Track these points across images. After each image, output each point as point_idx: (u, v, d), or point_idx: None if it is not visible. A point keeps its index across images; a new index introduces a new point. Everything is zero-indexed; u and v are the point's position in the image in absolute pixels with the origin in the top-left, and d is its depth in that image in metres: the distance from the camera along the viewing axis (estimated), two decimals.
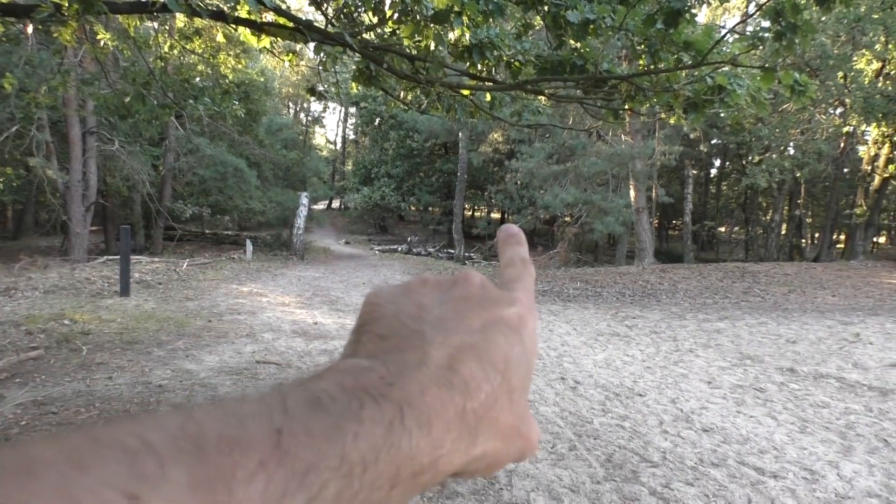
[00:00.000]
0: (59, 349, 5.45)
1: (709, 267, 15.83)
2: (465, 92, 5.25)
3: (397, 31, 4.91)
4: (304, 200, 18.25)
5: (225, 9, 4.32)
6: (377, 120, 29.13)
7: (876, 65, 16.94)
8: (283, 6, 4.80)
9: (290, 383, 0.24)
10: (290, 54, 5.79)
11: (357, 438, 0.22)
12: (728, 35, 5.15)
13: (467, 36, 4.36)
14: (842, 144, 19.56)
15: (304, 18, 4.48)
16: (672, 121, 4.79)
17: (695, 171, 26.56)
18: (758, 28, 4.86)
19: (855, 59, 16.60)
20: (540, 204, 19.48)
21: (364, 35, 4.85)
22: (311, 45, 4.50)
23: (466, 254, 22.86)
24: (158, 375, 4.82)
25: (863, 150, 19.91)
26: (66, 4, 3.79)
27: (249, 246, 16.48)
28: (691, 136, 20.76)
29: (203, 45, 8.07)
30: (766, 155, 18.61)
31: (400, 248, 24.64)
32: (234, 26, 4.92)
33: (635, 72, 4.59)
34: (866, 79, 16.51)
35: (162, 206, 16.61)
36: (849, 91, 16.36)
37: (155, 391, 4.44)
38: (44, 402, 4.10)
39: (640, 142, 17.63)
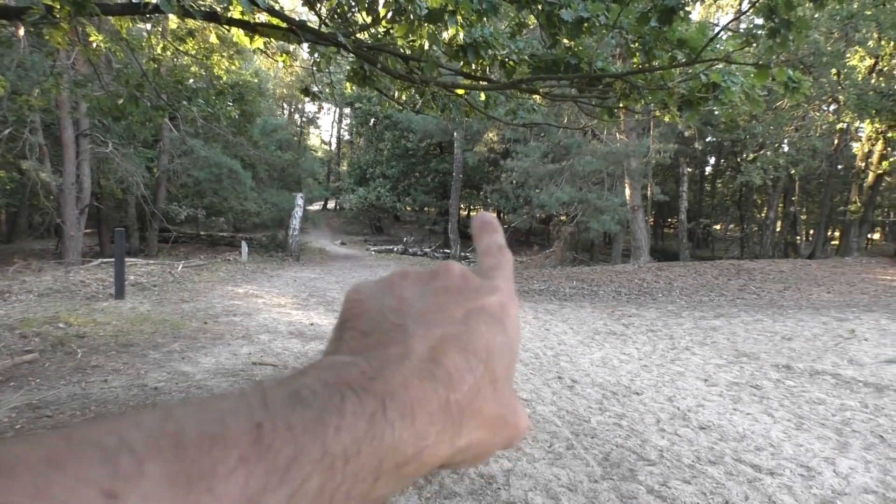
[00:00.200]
0: (53, 352, 5.42)
1: (704, 265, 15.87)
2: (460, 91, 5.25)
3: (391, 31, 4.90)
4: (300, 201, 18.21)
5: (218, 10, 4.30)
6: (372, 120, 29.05)
7: (869, 61, 17.01)
8: (277, 7, 4.78)
9: (271, 381, 0.24)
10: (284, 55, 5.77)
11: (339, 431, 0.22)
12: (722, 32, 5.16)
13: (461, 35, 4.36)
14: (836, 141, 19.64)
15: (297, 19, 4.47)
16: (667, 119, 4.80)
17: (690, 169, 26.66)
18: (751, 25, 4.87)
19: (848, 55, 16.67)
20: (536, 203, 19.49)
21: (358, 35, 4.83)
22: (305, 45, 4.49)
23: (462, 253, 22.86)
24: (154, 378, 4.80)
25: (857, 147, 19.98)
26: (58, 6, 3.77)
27: (245, 247, 16.43)
28: (686, 133, 20.79)
29: (196, 47, 8.03)
30: (761, 152, 18.65)
31: (396, 249, 24.61)
32: (227, 27, 4.90)
33: (630, 70, 4.59)
34: (859, 75, 16.59)
35: (156, 208, 16.56)
36: (842, 88, 16.43)
37: (150, 394, 4.41)
38: (39, 405, 4.07)
39: (635, 140, 17.65)
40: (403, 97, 5.91)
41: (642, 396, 4.67)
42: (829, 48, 16.17)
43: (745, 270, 14.19)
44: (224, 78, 9.75)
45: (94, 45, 6.27)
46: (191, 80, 10.91)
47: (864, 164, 18.58)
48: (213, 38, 8.33)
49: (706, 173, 32.20)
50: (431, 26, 4.38)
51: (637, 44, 4.20)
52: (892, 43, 16.09)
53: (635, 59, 4.38)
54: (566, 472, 3.22)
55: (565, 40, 4.40)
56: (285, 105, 41.90)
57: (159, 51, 7.04)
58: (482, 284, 0.30)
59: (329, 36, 4.25)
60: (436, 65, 4.53)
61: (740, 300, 10.54)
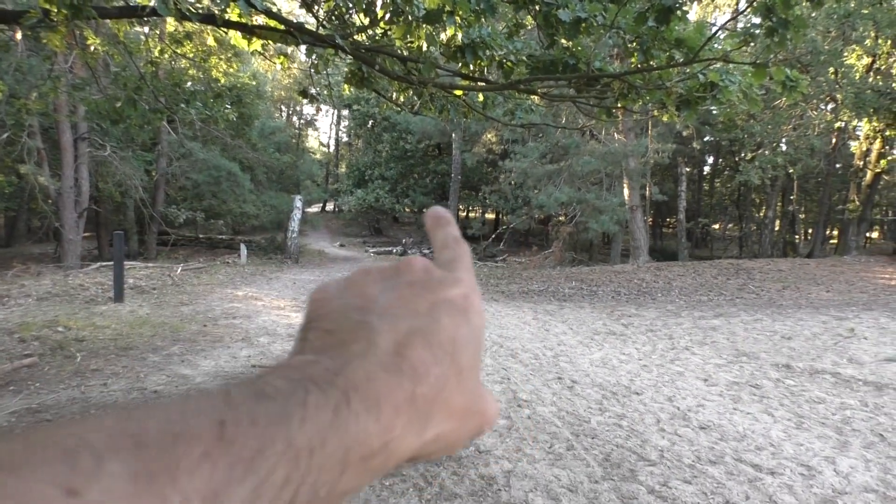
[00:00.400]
0: (53, 356, 5.41)
1: (703, 264, 15.87)
2: (458, 92, 5.25)
3: (389, 33, 4.89)
4: (298, 203, 18.19)
5: (215, 12, 4.29)
6: (370, 122, 29.04)
7: (866, 60, 17.03)
8: (274, 9, 4.78)
9: (235, 382, 0.24)
10: (282, 57, 5.77)
11: (303, 423, 0.22)
12: (720, 32, 5.16)
13: (459, 36, 4.36)
14: (833, 140, 19.64)
15: (294, 21, 4.47)
16: (665, 118, 4.80)
17: (688, 169, 26.65)
18: (749, 24, 4.87)
19: (845, 54, 16.68)
20: (534, 203, 19.46)
21: (356, 37, 4.83)
22: (303, 47, 4.48)
23: None
24: (154, 381, 4.79)
25: (854, 146, 20.00)
26: (55, 10, 3.77)
27: (244, 250, 16.41)
28: (684, 133, 20.80)
29: (194, 50, 8.04)
30: (759, 151, 18.66)
31: (395, 250, 24.59)
32: (224, 29, 4.90)
33: (627, 70, 4.59)
34: (857, 74, 16.59)
35: (155, 211, 16.53)
36: (840, 86, 16.44)
37: (150, 397, 4.41)
38: (38, 409, 4.07)
39: (634, 140, 17.64)
40: (401, 98, 5.91)
41: (642, 396, 4.67)
42: (826, 47, 16.18)
43: (744, 270, 14.19)
44: (222, 80, 9.76)
45: (92, 48, 6.27)
46: (189, 83, 10.89)
47: (862, 163, 18.59)
48: (210, 41, 8.32)
49: (704, 173, 32.20)
50: (429, 27, 4.38)
51: (635, 44, 4.20)
52: (888, 41, 16.10)
53: (633, 59, 4.38)
54: (566, 473, 3.22)
55: (563, 40, 4.40)
56: (283, 107, 41.87)
57: (157, 54, 7.04)
58: (445, 277, 0.31)
59: (327, 38, 4.25)
60: (434, 66, 4.53)
61: (739, 300, 10.54)
